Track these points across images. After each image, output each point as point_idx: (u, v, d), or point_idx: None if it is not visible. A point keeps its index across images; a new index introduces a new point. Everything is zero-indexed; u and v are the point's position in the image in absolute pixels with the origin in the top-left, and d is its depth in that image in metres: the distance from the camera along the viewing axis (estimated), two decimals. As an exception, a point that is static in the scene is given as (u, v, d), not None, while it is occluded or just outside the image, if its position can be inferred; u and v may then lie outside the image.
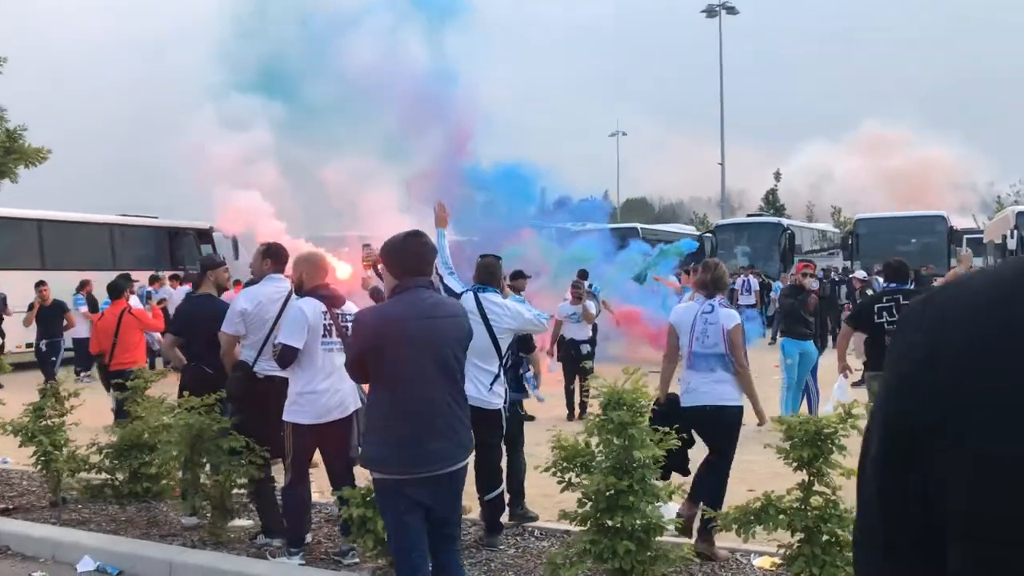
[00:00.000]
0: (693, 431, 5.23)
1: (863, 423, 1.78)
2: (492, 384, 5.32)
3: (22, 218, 17.27)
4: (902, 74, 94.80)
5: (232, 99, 16.58)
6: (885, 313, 7.01)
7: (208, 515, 5.51)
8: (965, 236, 31.30)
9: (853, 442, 3.19)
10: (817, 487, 4.26)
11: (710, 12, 44.55)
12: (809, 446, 4.27)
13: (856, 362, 8.23)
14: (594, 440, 4.36)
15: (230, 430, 5.26)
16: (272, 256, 5.50)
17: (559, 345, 10.67)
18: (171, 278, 16.57)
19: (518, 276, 11.10)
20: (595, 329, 11.44)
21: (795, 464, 4.31)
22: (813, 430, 4.29)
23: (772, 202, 46.39)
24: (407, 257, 3.62)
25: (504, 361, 5.46)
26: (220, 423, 5.27)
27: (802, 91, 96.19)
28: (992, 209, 37.27)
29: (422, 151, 16.53)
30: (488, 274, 5.60)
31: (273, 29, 16.57)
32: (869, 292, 13.85)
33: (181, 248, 20.97)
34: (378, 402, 3.63)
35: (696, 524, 5.11)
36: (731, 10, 44.76)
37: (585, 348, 10.30)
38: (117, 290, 9.80)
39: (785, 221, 29.25)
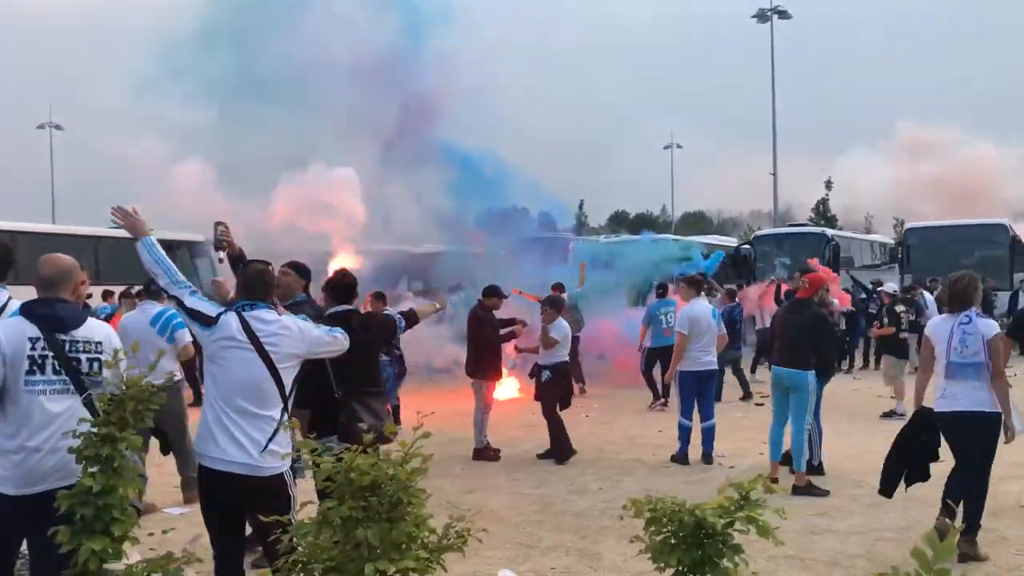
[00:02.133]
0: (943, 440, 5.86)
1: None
2: (271, 439, 3.94)
3: (-3, 230, 16.53)
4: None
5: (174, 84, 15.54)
6: None
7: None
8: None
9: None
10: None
11: (761, 17, 42.91)
12: (688, 547, 2.82)
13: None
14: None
15: None
16: None
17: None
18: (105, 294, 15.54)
19: (492, 293, 9.75)
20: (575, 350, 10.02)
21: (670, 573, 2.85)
22: (692, 522, 2.84)
23: (823, 212, 44.07)
24: None
25: (287, 402, 4.08)
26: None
27: (858, 94, 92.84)
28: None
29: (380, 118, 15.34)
30: (255, 285, 4.22)
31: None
32: (899, 308, 12.08)
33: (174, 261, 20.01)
34: None
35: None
36: (783, 14, 43.06)
37: (545, 374, 8.85)
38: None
39: (830, 231, 27.22)
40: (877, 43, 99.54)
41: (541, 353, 9.00)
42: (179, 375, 7.54)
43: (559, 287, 13.25)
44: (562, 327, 8.94)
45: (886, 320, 11.86)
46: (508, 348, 10.21)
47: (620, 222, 71.80)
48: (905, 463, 6.16)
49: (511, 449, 9.59)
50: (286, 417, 4.08)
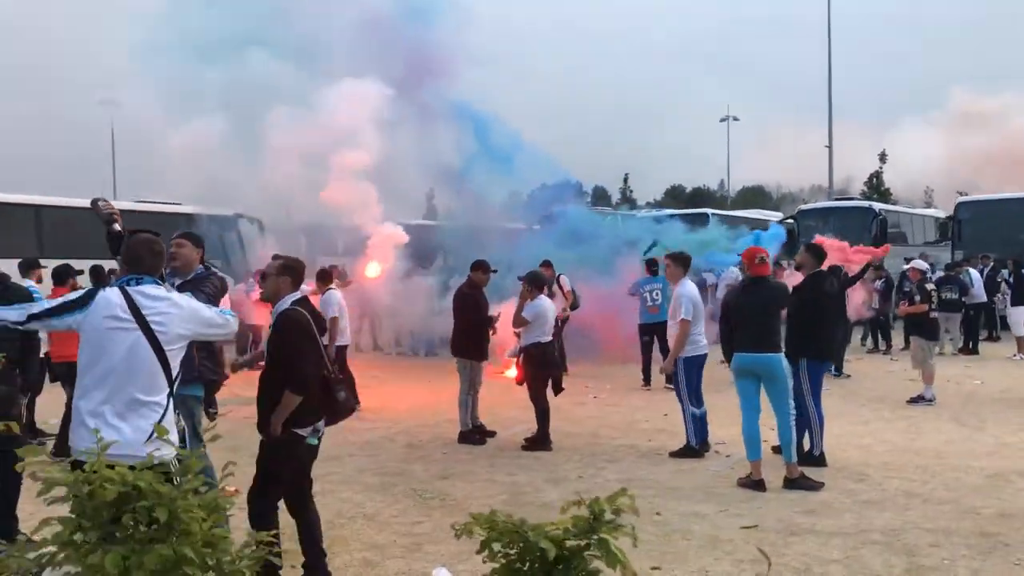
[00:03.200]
0: None
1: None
2: (159, 423, 3.56)
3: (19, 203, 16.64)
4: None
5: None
6: None
7: None
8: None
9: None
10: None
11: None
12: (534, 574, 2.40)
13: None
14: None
15: None
16: None
17: None
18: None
19: (478, 268, 9.34)
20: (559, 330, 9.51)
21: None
22: (534, 544, 2.40)
23: (876, 186, 42.41)
24: None
25: (174, 387, 3.71)
26: None
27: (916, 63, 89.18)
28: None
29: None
30: (141, 258, 3.84)
31: None
32: (930, 286, 11.28)
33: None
34: None
35: None
36: (840, -19, 41.37)
37: (519, 354, 8.47)
38: (60, 277, 9.48)
39: (878, 206, 26.06)
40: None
41: (519, 333, 8.54)
42: None
43: (548, 264, 12.83)
44: (537, 306, 8.44)
45: (918, 298, 11.05)
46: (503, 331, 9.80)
47: (677, 196, 70.43)
48: None
49: (504, 431, 9.20)
50: (171, 403, 3.75)
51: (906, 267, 12.19)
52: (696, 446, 8.04)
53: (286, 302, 4.71)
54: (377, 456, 8.13)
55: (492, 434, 8.98)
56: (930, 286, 11.29)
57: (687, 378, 8.09)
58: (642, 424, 9.61)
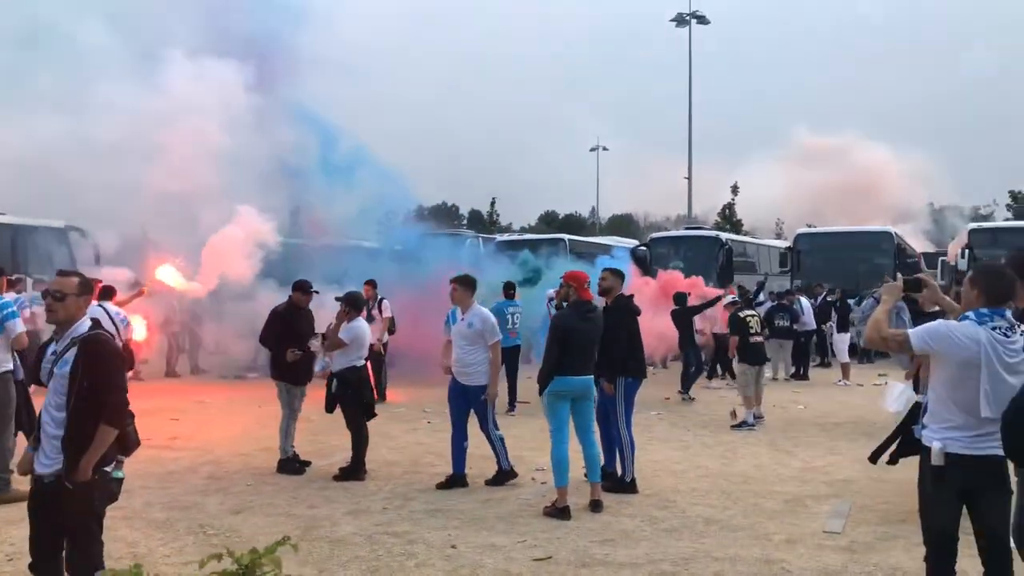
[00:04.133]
0: None
1: None
2: None
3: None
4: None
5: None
6: None
7: None
8: (922, 257, 29.34)
9: None
10: None
11: (680, 21, 42.83)
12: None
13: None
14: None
15: None
16: None
17: None
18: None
19: (298, 288, 8.97)
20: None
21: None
22: None
23: (728, 217, 44.26)
24: None
25: None
26: None
27: (781, 97, 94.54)
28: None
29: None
30: None
31: None
32: (744, 313, 11.71)
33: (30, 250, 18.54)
34: None
35: None
36: (701, 19, 43.05)
37: (333, 384, 8.14)
38: None
39: (724, 235, 27.10)
40: (800, 43, 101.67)
41: (331, 357, 8.19)
42: (9, 364, 7.12)
43: (371, 284, 12.72)
44: (354, 328, 8.13)
45: (726, 330, 11.47)
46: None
47: (550, 222, 71.56)
48: None
49: (323, 460, 8.80)
50: None
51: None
52: (509, 469, 7.92)
53: (84, 324, 4.14)
54: (171, 489, 7.58)
55: (307, 463, 8.56)
56: (747, 313, 11.70)
57: (491, 405, 7.98)
58: (470, 450, 9.38)
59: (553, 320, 7.32)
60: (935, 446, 3.97)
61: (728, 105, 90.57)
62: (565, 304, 7.31)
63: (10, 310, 7.05)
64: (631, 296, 8.15)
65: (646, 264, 25.19)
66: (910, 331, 4.05)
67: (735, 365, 11.61)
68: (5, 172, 15.20)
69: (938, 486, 3.97)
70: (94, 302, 10.64)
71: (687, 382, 14.06)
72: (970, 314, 4.03)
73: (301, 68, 16.09)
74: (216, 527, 6.39)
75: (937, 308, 5.20)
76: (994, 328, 3.94)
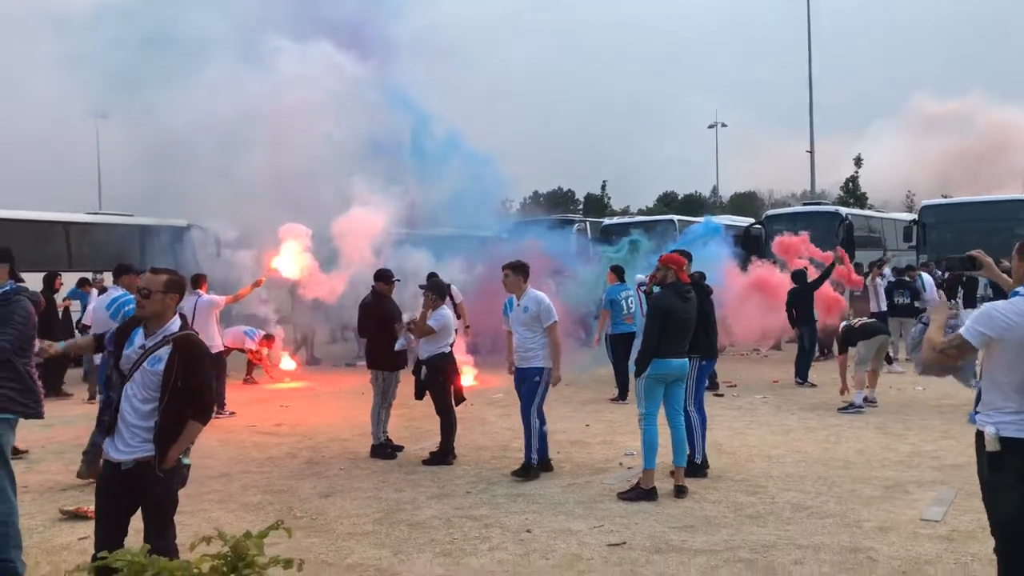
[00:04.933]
0: None
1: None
2: None
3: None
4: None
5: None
6: None
7: None
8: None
9: None
10: None
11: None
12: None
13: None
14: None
15: None
16: None
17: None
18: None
19: (379, 278, 9.16)
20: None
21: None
22: None
23: (852, 191, 42.27)
24: None
25: None
26: None
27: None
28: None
29: None
30: None
31: None
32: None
33: (155, 248, 19.73)
34: None
35: None
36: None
37: (423, 371, 8.21)
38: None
39: (844, 210, 25.92)
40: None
41: (418, 344, 8.30)
42: None
43: (620, 269, 12.59)
44: (441, 315, 8.22)
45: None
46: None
47: (669, 203, 70.33)
48: None
49: (415, 445, 8.98)
50: None
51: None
52: (536, 463, 7.64)
53: (176, 323, 4.28)
54: (269, 473, 7.90)
55: (400, 448, 8.75)
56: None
57: (547, 390, 7.75)
58: (558, 436, 9.36)
59: (653, 301, 7.08)
60: (988, 431, 3.67)
61: (849, 75, 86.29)
62: (659, 287, 7.13)
63: (129, 307, 7.46)
64: (703, 275, 7.91)
65: (759, 244, 24.43)
66: (962, 329, 3.74)
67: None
68: (127, 174, 16.09)
69: (997, 474, 3.67)
70: (201, 292, 11.24)
71: (802, 367, 13.42)
72: (1020, 289, 3.74)
73: (404, 52, 16.27)
74: (304, 510, 6.62)
75: None
76: None
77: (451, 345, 8.42)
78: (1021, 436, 3.63)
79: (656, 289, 7.21)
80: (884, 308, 15.59)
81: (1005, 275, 4.58)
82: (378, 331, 8.84)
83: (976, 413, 3.83)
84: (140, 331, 4.26)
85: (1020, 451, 3.63)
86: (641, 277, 10.94)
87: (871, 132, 52.43)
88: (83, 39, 14.64)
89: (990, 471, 3.69)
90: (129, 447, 4.18)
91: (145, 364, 4.16)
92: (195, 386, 4.14)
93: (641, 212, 56.81)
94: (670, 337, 6.87)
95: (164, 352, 4.14)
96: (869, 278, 16.19)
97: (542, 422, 7.71)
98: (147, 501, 4.20)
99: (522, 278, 7.73)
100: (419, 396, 8.43)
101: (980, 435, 3.75)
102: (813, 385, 12.99)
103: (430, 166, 14.77)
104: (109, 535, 4.12)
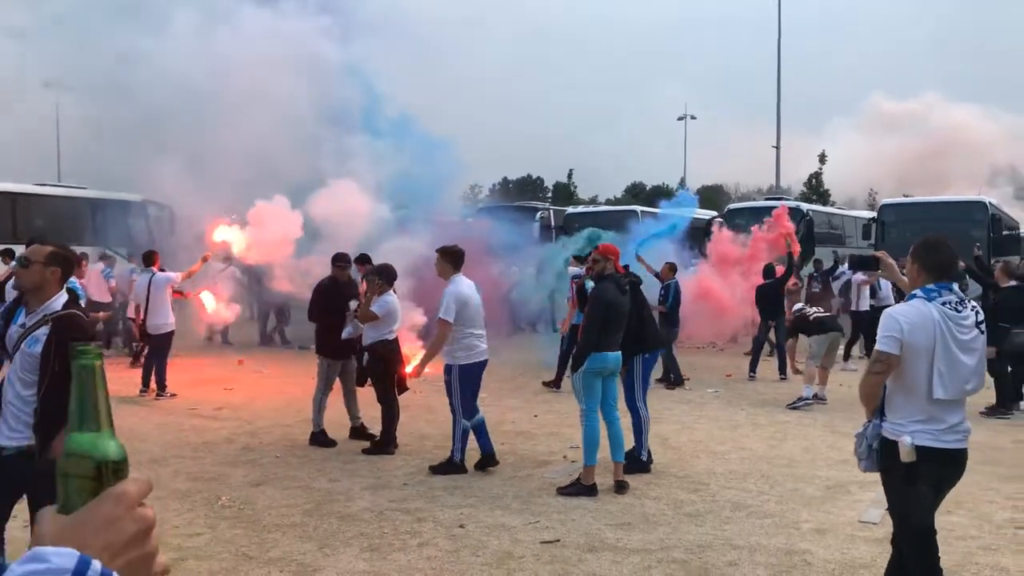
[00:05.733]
0: None
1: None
2: None
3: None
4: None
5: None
6: None
7: None
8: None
9: None
10: None
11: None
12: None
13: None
14: None
15: None
16: None
17: None
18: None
19: (335, 261, 8.93)
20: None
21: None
22: None
23: (815, 187, 42.56)
24: None
25: None
26: None
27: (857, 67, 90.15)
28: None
29: None
30: None
31: None
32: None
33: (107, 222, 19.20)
34: None
35: None
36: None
37: (364, 357, 8.00)
38: None
39: (805, 206, 26.06)
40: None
41: (362, 331, 8.07)
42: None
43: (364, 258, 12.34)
44: (387, 302, 8.00)
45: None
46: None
47: (637, 194, 70.45)
48: None
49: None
50: None
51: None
52: (459, 460, 7.33)
53: (59, 301, 3.99)
54: (203, 459, 7.65)
55: (371, 436, 8.42)
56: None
57: (461, 387, 7.33)
58: (505, 426, 9.21)
59: (596, 293, 6.87)
60: (905, 441, 3.65)
61: (816, 74, 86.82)
62: (595, 279, 6.97)
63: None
64: (627, 267, 7.77)
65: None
66: (876, 346, 3.77)
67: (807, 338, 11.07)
68: (80, 146, 15.59)
69: (914, 483, 3.66)
70: (154, 269, 10.93)
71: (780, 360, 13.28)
72: (918, 291, 3.77)
73: (371, 30, 15.90)
74: (233, 498, 6.40)
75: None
76: (944, 303, 3.69)
77: (395, 332, 8.20)
78: (936, 445, 3.66)
79: (589, 283, 7.08)
80: (865, 308, 15.57)
81: (904, 278, 4.62)
82: (327, 317, 8.61)
83: (882, 422, 3.83)
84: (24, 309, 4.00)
85: (934, 460, 3.66)
86: (575, 269, 10.76)
87: (831, 130, 52.75)
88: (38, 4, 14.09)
89: (906, 482, 3.69)
90: (13, 431, 3.92)
91: (23, 345, 3.89)
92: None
93: (609, 202, 56.75)
94: (608, 330, 6.74)
95: (42, 333, 3.85)
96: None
97: (468, 418, 7.31)
98: (32, 492, 3.95)
99: (451, 265, 7.30)
100: (360, 383, 8.23)
101: (888, 444, 3.76)
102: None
103: (383, 147, 14.38)
104: None
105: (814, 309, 11.51)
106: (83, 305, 6.90)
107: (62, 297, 4.02)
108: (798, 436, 8.96)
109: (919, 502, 3.71)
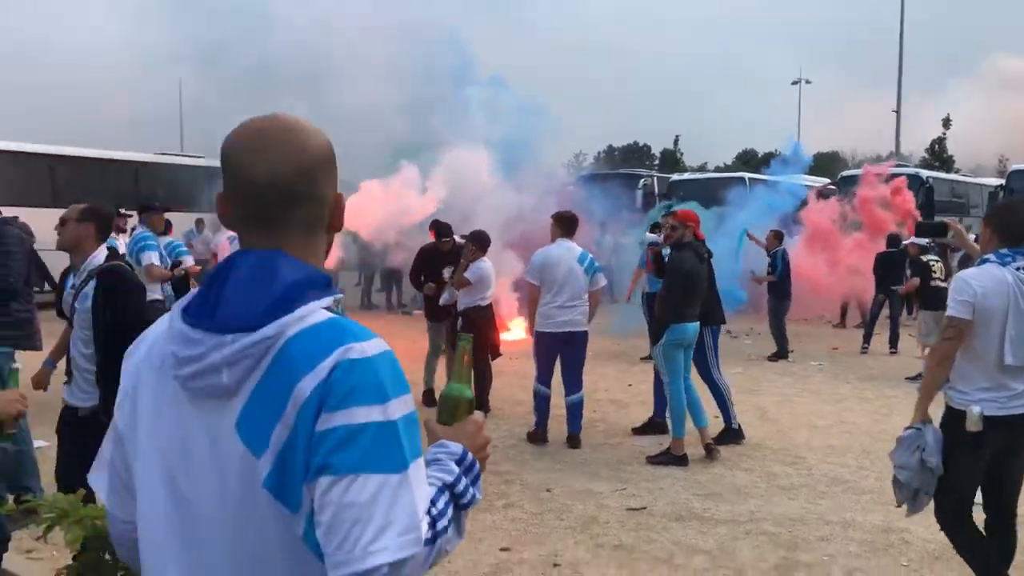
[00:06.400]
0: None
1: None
2: None
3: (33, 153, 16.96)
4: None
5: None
6: None
7: None
8: None
9: None
10: None
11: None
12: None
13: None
14: None
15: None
16: None
17: None
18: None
19: (432, 229, 9.04)
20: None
21: None
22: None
23: (938, 153, 40.30)
24: None
25: None
26: None
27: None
28: None
29: None
30: None
31: None
32: (927, 257, 10.47)
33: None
34: None
35: None
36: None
37: (460, 321, 8.08)
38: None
39: (924, 173, 24.72)
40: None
41: (457, 296, 8.13)
42: (155, 294, 7.28)
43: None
44: (480, 268, 8.02)
45: (908, 272, 10.32)
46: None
47: (747, 161, 68.58)
48: None
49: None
50: None
51: (905, 242, 11.41)
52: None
53: (99, 256, 4.13)
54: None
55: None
56: (930, 257, 10.48)
57: (535, 352, 7.34)
58: (598, 394, 9.16)
59: (676, 264, 6.70)
60: (973, 410, 3.55)
61: (939, 36, 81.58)
62: (673, 248, 6.78)
63: (144, 243, 7.45)
64: (703, 240, 7.48)
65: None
66: (948, 311, 3.66)
67: (921, 313, 10.53)
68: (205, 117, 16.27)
69: (978, 452, 3.64)
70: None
71: (893, 335, 12.64)
72: (990, 256, 3.66)
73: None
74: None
75: None
76: (1018, 269, 3.59)
77: (489, 299, 8.23)
78: (1004, 414, 3.61)
79: (667, 251, 6.92)
80: None
81: (973, 244, 4.39)
82: (429, 281, 8.78)
83: (949, 388, 3.73)
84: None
85: (1001, 428, 3.62)
86: (652, 236, 10.45)
87: (957, 94, 49.73)
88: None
89: (972, 449, 3.61)
90: (84, 393, 4.03)
91: (76, 304, 3.98)
92: (124, 323, 3.73)
93: (718, 169, 55.36)
94: (688, 301, 6.57)
95: (90, 288, 3.93)
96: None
97: (540, 388, 7.31)
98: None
99: (560, 229, 7.23)
100: (453, 347, 8.34)
101: (954, 413, 3.64)
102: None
103: (480, 115, 14.35)
104: (68, 472, 3.91)
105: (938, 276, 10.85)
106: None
107: (102, 252, 4.08)
108: (906, 412, 8.48)
109: (973, 474, 3.74)
